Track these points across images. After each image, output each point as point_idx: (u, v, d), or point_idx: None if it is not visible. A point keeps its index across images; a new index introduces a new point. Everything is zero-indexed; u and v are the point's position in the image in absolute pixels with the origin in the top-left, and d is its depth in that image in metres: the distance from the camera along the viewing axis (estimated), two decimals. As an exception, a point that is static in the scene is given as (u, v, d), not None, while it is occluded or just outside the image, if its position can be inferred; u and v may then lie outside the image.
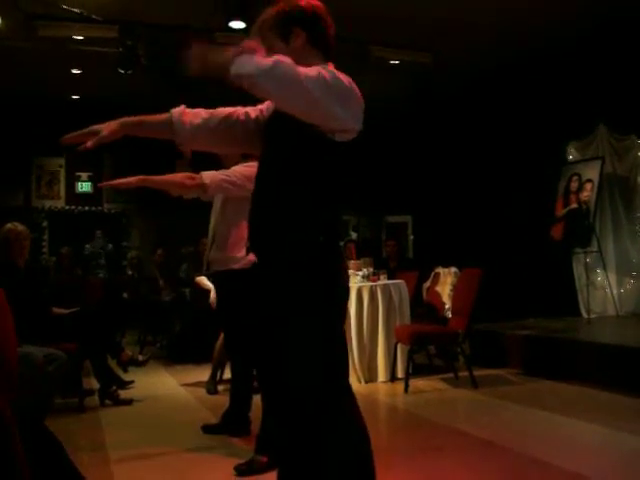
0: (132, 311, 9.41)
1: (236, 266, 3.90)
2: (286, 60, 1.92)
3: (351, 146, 2.10)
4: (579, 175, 8.82)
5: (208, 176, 3.54)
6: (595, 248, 8.37)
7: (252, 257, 2.18)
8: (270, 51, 2.10)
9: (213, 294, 7.03)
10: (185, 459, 4.00)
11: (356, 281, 6.55)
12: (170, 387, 6.59)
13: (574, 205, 8.76)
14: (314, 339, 2.03)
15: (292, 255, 2.05)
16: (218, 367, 6.27)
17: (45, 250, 12.10)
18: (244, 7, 7.28)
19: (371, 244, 12.87)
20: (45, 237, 12.20)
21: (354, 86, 2.04)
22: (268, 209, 2.11)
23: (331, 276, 2.09)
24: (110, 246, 12.23)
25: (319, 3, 2.21)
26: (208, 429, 4.53)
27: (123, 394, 5.79)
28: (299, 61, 2.01)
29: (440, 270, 7.36)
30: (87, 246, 11.83)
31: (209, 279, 7.23)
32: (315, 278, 2.04)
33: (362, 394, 6.01)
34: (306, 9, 2.16)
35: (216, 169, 3.82)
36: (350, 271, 6.70)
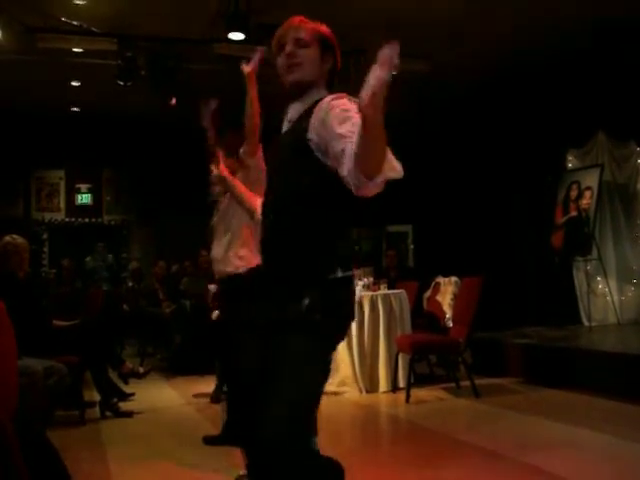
0: (132, 323, 9.39)
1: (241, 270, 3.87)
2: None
3: None
4: (578, 183, 8.83)
5: None
6: (595, 256, 8.37)
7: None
8: (299, 61, 2.16)
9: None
10: (186, 471, 3.98)
11: (356, 291, 6.54)
12: (171, 399, 6.57)
13: (574, 213, 8.77)
14: (309, 376, 2.01)
15: (307, 289, 2.04)
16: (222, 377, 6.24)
17: (45, 262, 12.09)
18: (243, 19, 7.31)
19: (371, 254, 12.86)
20: (45, 249, 12.19)
21: None
22: (285, 241, 2.11)
23: (341, 311, 2.09)
24: (111, 258, 12.22)
25: None
26: (209, 440, 4.51)
27: (124, 406, 5.77)
28: (319, 83, 2.18)
29: (440, 279, 7.34)
30: (88, 259, 11.80)
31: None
32: (326, 316, 2.03)
33: (363, 404, 5.99)
34: (336, 43, 2.26)
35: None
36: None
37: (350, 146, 1.85)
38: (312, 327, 2.02)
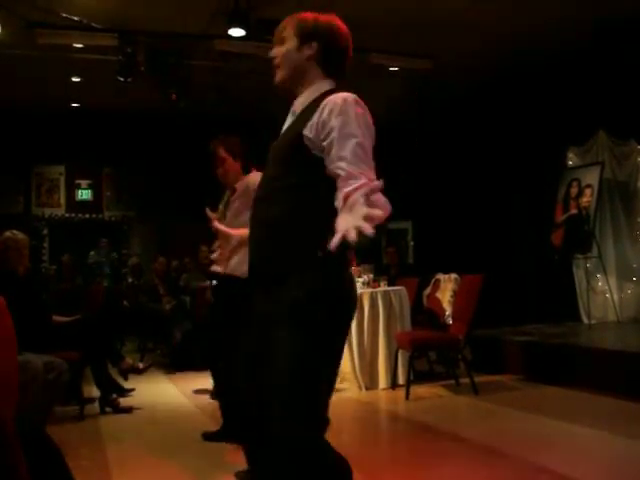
0: (132, 319, 9.40)
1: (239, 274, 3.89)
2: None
3: None
4: (579, 180, 8.83)
5: None
6: (595, 253, 8.36)
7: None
8: (277, 62, 2.16)
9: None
10: (185, 467, 3.98)
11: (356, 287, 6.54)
12: (170, 395, 6.57)
13: (574, 211, 8.76)
14: (305, 366, 1.97)
15: (294, 276, 2.02)
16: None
17: (45, 258, 12.09)
18: (243, 15, 7.30)
19: (371, 250, 12.85)
20: (45, 245, 12.19)
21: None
22: (272, 228, 2.09)
23: (333, 291, 2.05)
24: (115, 255, 12.24)
25: (345, 28, 2.23)
26: (208, 436, 4.51)
27: (123, 402, 5.78)
28: (307, 74, 2.13)
29: (440, 276, 7.34)
30: (92, 253, 11.80)
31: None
32: (314, 296, 2.00)
33: (363, 401, 6.00)
34: (330, 30, 2.18)
35: None
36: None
37: (343, 174, 1.86)
38: (301, 315, 1.98)
